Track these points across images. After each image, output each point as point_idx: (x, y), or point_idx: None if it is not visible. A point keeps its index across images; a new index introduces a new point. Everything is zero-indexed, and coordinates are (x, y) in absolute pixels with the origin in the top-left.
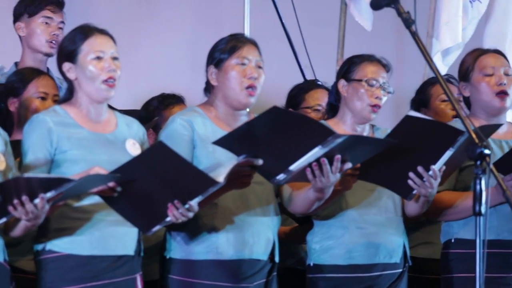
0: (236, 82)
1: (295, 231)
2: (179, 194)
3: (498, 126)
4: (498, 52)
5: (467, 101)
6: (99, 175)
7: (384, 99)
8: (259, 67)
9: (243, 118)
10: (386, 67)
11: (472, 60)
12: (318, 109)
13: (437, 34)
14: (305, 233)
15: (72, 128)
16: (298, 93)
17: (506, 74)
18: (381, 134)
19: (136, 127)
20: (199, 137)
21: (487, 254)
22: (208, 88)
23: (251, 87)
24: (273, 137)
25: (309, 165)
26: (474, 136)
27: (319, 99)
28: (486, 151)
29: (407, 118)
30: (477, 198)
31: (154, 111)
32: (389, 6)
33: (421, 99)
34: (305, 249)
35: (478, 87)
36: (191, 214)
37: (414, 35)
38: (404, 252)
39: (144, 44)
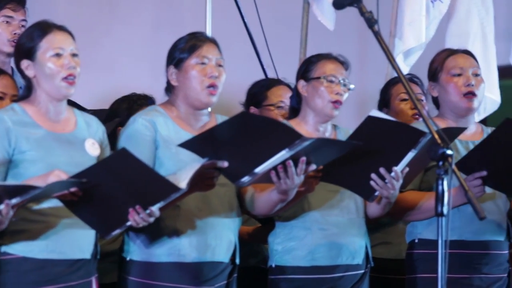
0: (196, 82)
1: (258, 231)
2: (141, 199)
3: (462, 129)
4: (467, 52)
5: (436, 101)
6: (64, 181)
7: (345, 95)
8: (220, 65)
9: (204, 118)
10: (344, 64)
11: (441, 60)
12: (281, 106)
13: (400, 34)
14: (268, 233)
15: (30, 128)
16: (259, 91)
17: (475, 75)
18: (343, 134)
19: (96, 126)
20: (162, 138)
21: (449, 254)
22: (169, 88)
23: (212, 86)
24: (240, 140)
25: (274, 167)
26: (436, 136)
27: (281, 96)
28: (448, 152)
29: (369, 118)
30: (439, 199)
31: (122, 111)
32: (352, 5)
33: (383, 99)
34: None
35: (446, 87)
36: (152, 219)
37: (377, 34)
38: (366, 253)
39: (105, 43)
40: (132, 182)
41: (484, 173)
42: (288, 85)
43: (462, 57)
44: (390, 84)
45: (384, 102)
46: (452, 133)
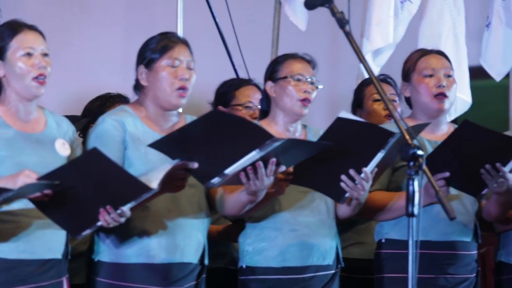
0: (167, 84)
1: (228, 229)
2: (112, 199)
3: (426, 124)
4: (440, 53)
5: (409, 102)
6: (36, 183)
7: (314, 93)
8: (190, 68)
9: (173, 118)
10: (311, 63)
11: (413, 61)
12: (249, 106)
13: (368, 34)
14: (239, 232)
15: (0, 128)
16: (228, 90)
17: (447, 76)
18: (313, 133)
19: (66, 126)
20: (131, 138)
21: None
22: (138, 87)
23: (182, 88)
24: (210, 140)
25: (244, 168)
26: (407, 137)
27: (249, 96)
28: (419, 152)
29: (338, 120)
30: (410, 199)
31: (95, 109)
32: (323, 6)
33: (356, 99)
34: (238, 249)
35: (418, 88)
36: (123, 219)
37: (348, 35)
38: (337, 254)
39: (76, 43)
40: (103, 182)
41: (447, 174)
42: (257, 86)
43: (435, 57)
44: (364, 85)
45: (357, 103)
46: (415, 130)
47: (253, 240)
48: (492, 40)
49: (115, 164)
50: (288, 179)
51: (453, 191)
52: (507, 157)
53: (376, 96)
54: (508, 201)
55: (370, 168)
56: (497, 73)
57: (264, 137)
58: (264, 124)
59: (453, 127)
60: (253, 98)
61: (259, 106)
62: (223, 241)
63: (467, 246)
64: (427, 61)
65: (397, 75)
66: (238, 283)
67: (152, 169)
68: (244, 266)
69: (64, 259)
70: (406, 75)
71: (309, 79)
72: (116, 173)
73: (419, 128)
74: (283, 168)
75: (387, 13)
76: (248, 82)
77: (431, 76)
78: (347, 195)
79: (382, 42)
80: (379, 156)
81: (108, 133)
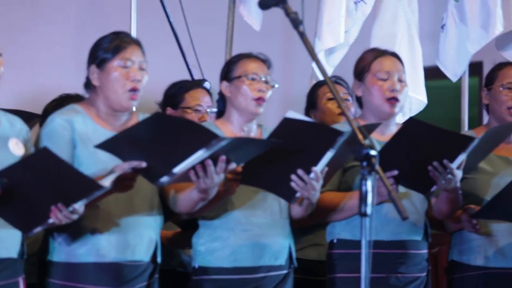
0: (118, 85)
1: (178, 236)
2: (63, 197)
3: (377, 125)
4: (395, 55)
5: (360, 101)
6: None
7: (268, 93)
8: (142, 68)
9: (124, 117)
10: (266, 62)
11: (368, 61)
12: (199, 110)
13: (319, 34)
14: (188, 239)
15: None
16: (177, 92)
17: (400, 80)
18: (268, 133)
19: (19, 126)
20: (80, 137)
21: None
22: (89, 85)
23: (133, 90)
24: (157, 140)
25: (193, 166)
26: (360, 137)
27: (199, 99)
28: (373, 152)
29: (286, 120)
30: (363, 199)
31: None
32: (277, 6)
33: (310, 101)
34: (187, 252)
35: (371, 89)
36: (75, 217)
37: (302, 35)
38: (290, 254)
39: (27, 41)
40: (54, 180)
41: (395, 172)
42: (206, 89)
43: (390, 60)
44: (317, 86)
45: (311, 104)
46: (369, 130)
47: (205, 240)
48: (447, 41)
49: (66, 162)
50: (237, 178)
51: (402, 189)
52: (454, 153)
53: (330, 95)
54: (457, 197)
55: (320, 168)
56: (453, 74)
57: (209, 137)
58: (219, 123)
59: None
60: (203, 101)
61: (208, 109)
62: (171, 247)
63: (417, 245)
64: (382, 63)
65: (350, 76)
66: (190, 283)
67: (105, 170)
68: (196, 266)
69: (20, 259)
70: (360, 74)
71: (263, 78)
72: (66, 171)
73: (371, 128)
74: (233, 165)
75: (338, 13)
76: (198, 85)
77: (385, 79)
78: (297, 195)
79: (333, 42)
80: (329, 155)
81: (57, 132)
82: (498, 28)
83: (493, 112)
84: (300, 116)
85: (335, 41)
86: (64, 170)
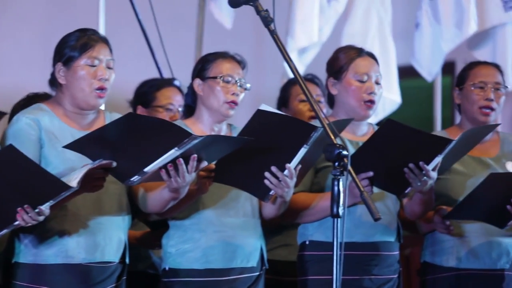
0: (85, 83)
1: (147, 236)
2: (30, 198)
3: (349, 121)
4: (371, 55)
5: (331, 99)
6: None
7: (241, 95)
8: (110, 67)
9: (91, 116)
10: (241, 63)
11: (348, 60)
12: (170, 108)
13: (292, 33)
14: (157, 239)
15: None
16: (149, 91)
17: (376, 83)
18: (238, 133)
19: None
20: (47, 136)
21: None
22: (55, 83)
23: (100, 88)
24: (128, 140)
25: (164, 165)
26: (332, 137)
27: (171, 98)
28: (344, 152)
29: (259, 112)
30: (335, 200)
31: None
32: (248, 3)
33: (282, 98)
34: (157, 254)
35: (348, 90)
36: (41, 218)
37: (273, 33)
38: (262, 255)
39: None
40: (21, 181)
41: (371, 173)
42: (178, 87)
43: (368, 61)
44: (290, 84)
45: (283, 101)
46: (338, 126)
47: (176, 241)
48: (422, 40)
49: (33, 162)
50: (210, 176)
51: (376, 190)
52: (431, 155)
53: (303, 97)
54: (431, 199)
55: (293, 164)
56: (428, 73)
57: (182, 135)
58: (188, 123)
59: (372, 127)
60: (174, 100)
61: (180, 108)
62: (141, 247)
63: (390, 246)
64: (360, 64)
65: (323, 74)
66: (160, 286)
67: (72, 169)
68: (167, 268)
69: None
70: (337, 72)
71: (238, 81)
72: (33, 171)
73: (341, 124)
74: (205, 164)
75: (311, 11)
76: (170, 83)
77: (364, 81)
78: (271, 193)
79: (306, 41)
80: (303, 151)
81: (23, 132)
82: (472, 27)
83: (465, 112)
84: (273, 109)
85: (309, 39)
86: (31, 170)
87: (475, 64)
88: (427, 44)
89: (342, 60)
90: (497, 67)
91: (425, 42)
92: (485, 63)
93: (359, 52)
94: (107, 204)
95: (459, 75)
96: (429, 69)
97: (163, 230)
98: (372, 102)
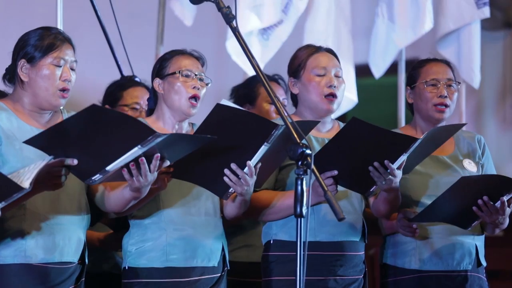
0: (49, 83)
1: (110, 237)
2: None
3: (315, 123)
4: (331, 51)
5: (294, 98)
6: None
7: (203, 91)
8: (73, 69)
9: (49, 115)
10: (200, 59)
11: (304, 57)
12: (136, 108)
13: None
14: (120, 240)
15: None
16: (115, 90)
17: (336, 76)
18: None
19: None
20: (5, 134)
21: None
22: (12, 79)
23: (64, 90)
24: (90, 136)
25: (126, 164)
26: (295, 135)
27: (137, 97)
28: (308, 151)
29: (218, 106)
30: (298, 199)
31: None
32: (209, 0)
33: (246, 94)
34: (120, 254)
35: (308, 86)
36: None
37: (235, 31)
38: (223, 256)
39: None
40: None
41: (335, 172)
42: (146, 87)
43: (326, 56)
44: (257, 81)
45: (248, 98)
46: (304, 128)
47: (136, 240)
48: (376, 37)
49: None
50: (169, 171)
51: (341, 188)
52: (396, 154)
53: None
54: (397, 197)
55: (254, 162)
56: (377, 71)
57: (146, 133)
58: (150, 121)
59: (337, 124)
60: (140, 99)
61: (146, 108)
62: (104, 248)
63: (355, 246)
64: (318, 59)
65: (284, 71)
66: (121, 287)
67: (26, 165)
68: (127, 267)
69: None
70: (296, 71)
71: (197, 75)
72: None
73: (308, 126)
74: (167, 163)
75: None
76: (137, 83)
77: (322, 75)
78: (231, 190)
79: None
80: (263, 149)
81: None
82: (428, 25)
83: (419, 111)
84: (233, 105)
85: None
86: None
87: (425, 62)
88: (380, 42)
89: (299, 58)
90: (447, 63)
91: (379, 39)
92: (435, 60)
93: (317, 48)
94: (66, 204)
95: (410, 74)
96: (379, 66)
97: (125, 231)
98: (333, 95)
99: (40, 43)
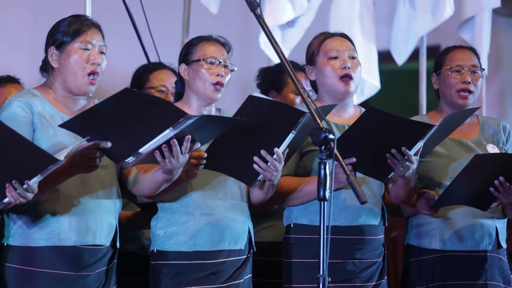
0: (78, 68)
1: (137, 216)
2: (17, 173)
3: (332, 106)
4: (343, 35)
5: (314, 85)
6: None
7: (228, 77)
8: (102, 52)
9: (82, 101)
10: (225, 46)
11: (317, 44)
12: (162, 90)
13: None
14: (147, 218)
15: None
16: (142, 73)
17: (351, 58)
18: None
19: None
20: (39, 120)
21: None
22: (46, 68)
23: (93, 73)
24: (123, 119)
25: (159, 146)
26: (319, 121)
27: (163, 80)
28: (331, 136)
29: (250, 98)
30: (321, 183)
31: None
32: None
33: (274, 81)
34: (146, 235)
35: (323, 70)
36: (30, 195)
37: (259, 18)
38: (249, 238)
39: None
40: (8, 155)
41: (354, 159)
42: (172, 70)
43: (338, 39)
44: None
45: (276, 86)
46: (324, 112)
47: (164, 224)
48: (398, 24)
49: (20, 135)
50: (201, 163)
51: (359, 175)
52: (412, 140)
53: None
54: (414, 183)
55: (282, 148)
56: (399, 57)
57: (177, 114)
58: (178, 106)
59: (359, 110)
60: (167, 82)
61: (173, 90)
62: (131, 227)
63: (374, 230)
64: (331, 43)
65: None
66: (149, 267)
67: (59, 143)
68: (155, 250)
69: None
70: (311, 58)
71: (222, 62)
72: (20, 144)
73: (326, 109)
74: (198, 145)
75: None
76: (164, 66)
77: (335, 58)
78: (259, 177)
79: (273, 22)
80: (291, 136)
81: (16, 115)
82: (448, 12)
83: (443, 97)
84: (264, 96)
85: (275, 21)
86: (18, 143)
87: (451, 49)
88: (402, 29)
89: (313, 45)
90: (472, 50)
91: (400, 26)
92: (461, 47)
93: (328, 34)
94: (98, 188)
95: (436, 60)
96: (401, 53)
97: (153, 210)
98: (348, 76)
99: (68, 29)
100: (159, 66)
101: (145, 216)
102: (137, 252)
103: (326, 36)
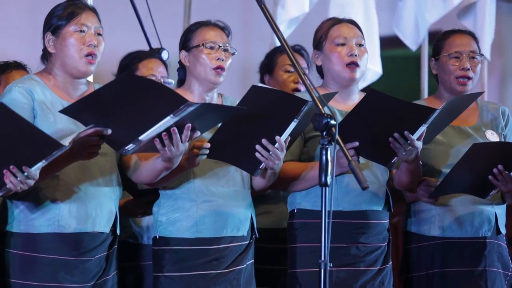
0: (75, 50)
1: (129, 204)
2: (21, 158)
3: (334, 94)
4: (352, 22)
5: (320, 71)
6: None
7: (228, 61)
8: (99, 34)
9: (82, 87)
10: (224, 29)
11: (325, 29)
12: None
13: (283, 3)
14: (140, 207)
15: None
16: (131, 62)
17: (359, 45)
18: (230, 102)
19: None
20: (40, 106)
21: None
22: (46, 56)
23: (90, 54)
24: (123, 105)
25: (159, 134)
26: (320, 107)
27: (152, 69)
28: (332, 122)
29: (253, 87)
30: (323, 169)
31: None
32: None
33: (267, 64)
34: (138, 223)
35: (330, 56)
36: (30, 182)
37: (261, 4)
38: (252, 224)
39: None
40: (10, 140)
41: (356, 143)
42: (161, 59)
43: (347, 26)
44: (277, 52)
45: (268, 68)
46: (326, 99)
47: (167, 210)
48: (406, 10)
49: (24, 119)
50: (204, 154)
51: (362, 160)
52: (415, 124)
53: (288, 68)
54: (418, 168)
55: (284, 137)
56: (412, 42)
57: (178, 101)
58: (179, 92)
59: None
60: (156, 71)
61: (162, 80)
62: (124, 215)
63: (378, 215)
64: (339, 29)
65: (307, 44)
66: (152, 253)
67: (60, 131)
68: (157, 236)
69: None
70: (318, 43)
71: (222, 47)
72: (24, 128)
73: (328, 96)
74: (198, 133)
75: None
76: (152, 55)
77: (343, 45)
78: (261, 166)
79: (297, 12)
80: (293, 125)
81: (17, 101)
82: None
83: (442, 82)
84: (266, 86)
85: (300, 10)
86: (22, 128)
87: (449, 34)
88: (411, 14)
89: (321, 30)
90: (471, 34)
91: (409, 12)
92: (460, 31)
93: (337, 20)
94: (98, 175)
95: (435, 45)
96: (413, 38)
97: (145, 198)
98: (354, 63)
99: (62, 13)
100: (148, 54)
101: (137, 205)
102: (127, 240)
103: (334, 22)
